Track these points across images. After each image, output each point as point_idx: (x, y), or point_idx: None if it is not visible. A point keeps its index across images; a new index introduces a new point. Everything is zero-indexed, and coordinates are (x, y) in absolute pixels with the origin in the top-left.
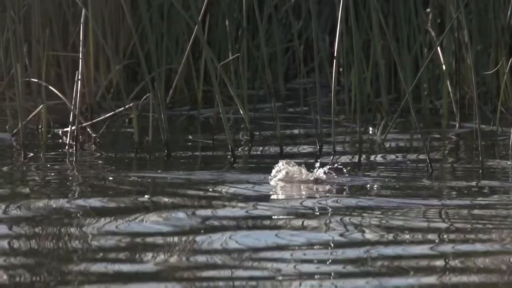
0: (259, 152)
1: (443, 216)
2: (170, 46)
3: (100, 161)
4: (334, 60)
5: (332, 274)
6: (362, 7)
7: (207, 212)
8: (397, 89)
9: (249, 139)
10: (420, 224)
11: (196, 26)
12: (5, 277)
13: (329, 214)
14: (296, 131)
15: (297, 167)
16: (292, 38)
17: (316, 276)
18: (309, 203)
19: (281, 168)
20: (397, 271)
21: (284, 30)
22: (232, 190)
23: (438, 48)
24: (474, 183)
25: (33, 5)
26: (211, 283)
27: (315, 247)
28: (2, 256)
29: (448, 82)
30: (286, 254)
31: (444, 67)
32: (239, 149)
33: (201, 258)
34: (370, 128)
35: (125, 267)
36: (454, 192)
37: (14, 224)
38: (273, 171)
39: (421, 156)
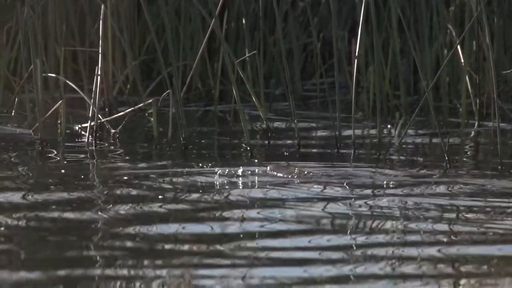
0: (276, 146)
1: (459, 213)
2: (186, 43)
3: (118, 156)
4: (356, 59)
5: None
6: (383, 5)
7: (223, 200)
8: (417, 88)
9: (265, 133)
10: (434, 220)
11: (213, 20)
12: (18, 262)
13: (348, 209)
14: (313, 129)
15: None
16: (309, 35)
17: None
18: (323, 191)
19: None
20: (410, 270)
21: (301, 28)
22: (245, 180)
23: (459, 47)
24: (492, 181)
25: (50, 0)
26: (214, 270)
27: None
28: (18, 243)
29: (467, 81)
30: (312, 239)
31: (463, 66)
32: (256, 143)
33: (209, 245)
34: (389, 126)
35: (141, 253)
36: (471, 189)
37: (30, 213)
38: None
39: (439, 154)
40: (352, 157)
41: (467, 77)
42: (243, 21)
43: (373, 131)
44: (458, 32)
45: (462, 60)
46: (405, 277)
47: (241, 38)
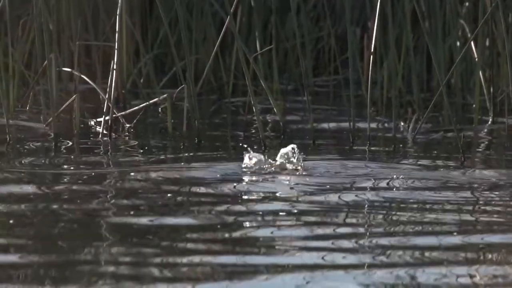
0: (290, 139)
1: (475, 208)
2: (198, 37)
3: (133, 149)
4: (371, 55)
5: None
6: (396, 0)
7: (233, 192)
8: (430, 86)
9: (279, 127)
10: (450, 216)
11: (228, 18)
12: (32, 250)
13: (364, 201)
14: (327, 123)
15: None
16: (320, 30)
17: (346, 265)
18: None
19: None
20: (428, 262)
21: (312, 24)
22: (257, 173)
23: (472, 43)
24: (508, 174)
25: None
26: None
27: (342, 237)
28: (32, 232)
29: (481, 77)
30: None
31: (477, 61)
32: (270, 137)
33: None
34: (402, 123)
35: (154, 242)
36: (488, 182)
37: (44, 204)
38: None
39: (453, 149)
40: (367, 151)
41: (480, 73)
42: (254, 15)
43: (386, 126)
44: (472, 28)
45: (476, 55)
46: (420, 265)
47: (252, 32)
